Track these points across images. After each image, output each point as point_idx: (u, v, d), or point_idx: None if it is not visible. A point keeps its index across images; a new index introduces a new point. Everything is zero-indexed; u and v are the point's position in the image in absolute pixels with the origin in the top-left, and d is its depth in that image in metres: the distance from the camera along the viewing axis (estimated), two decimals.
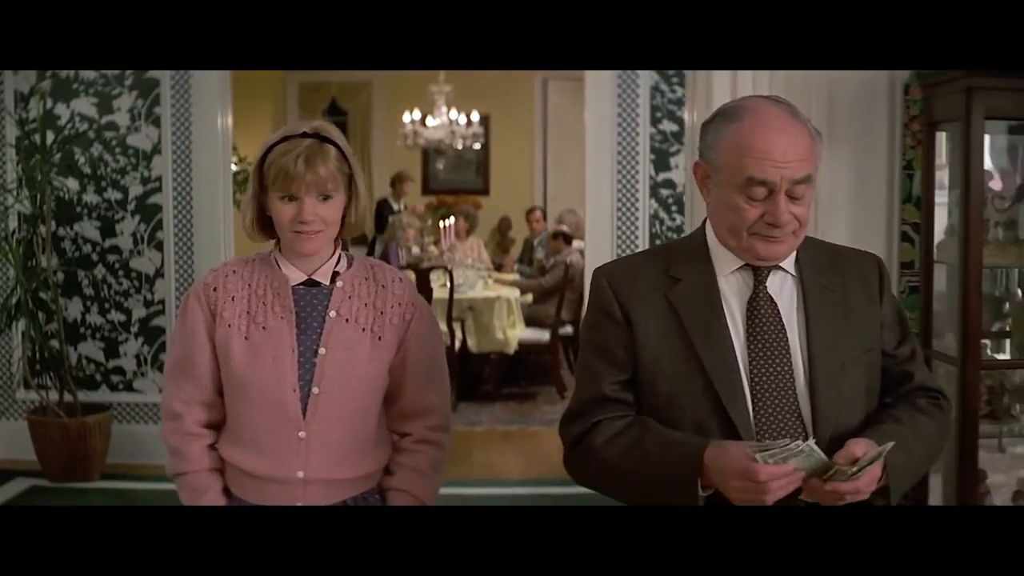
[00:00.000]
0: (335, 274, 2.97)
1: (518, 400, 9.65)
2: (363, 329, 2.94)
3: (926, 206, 4.14)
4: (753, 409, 2.58)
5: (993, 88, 3.25)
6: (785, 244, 2.60)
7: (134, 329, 7.31)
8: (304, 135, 2.85)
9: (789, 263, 2.68)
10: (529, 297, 10.32)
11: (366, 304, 2.97)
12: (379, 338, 2.96)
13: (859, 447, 2.43)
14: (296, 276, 2.94)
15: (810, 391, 2.59)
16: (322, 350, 2.88)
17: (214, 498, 2.92)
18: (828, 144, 4.33)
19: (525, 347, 9.82)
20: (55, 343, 7.07)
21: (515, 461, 7.65)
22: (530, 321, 9.99)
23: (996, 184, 4.09)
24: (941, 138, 4.76)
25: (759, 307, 2.65)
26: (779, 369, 2.60)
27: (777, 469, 2.35)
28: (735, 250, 2.65)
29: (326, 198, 2.84)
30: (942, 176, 4.03)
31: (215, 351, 2.92)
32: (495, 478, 7.17)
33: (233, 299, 2.93)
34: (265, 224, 2.95)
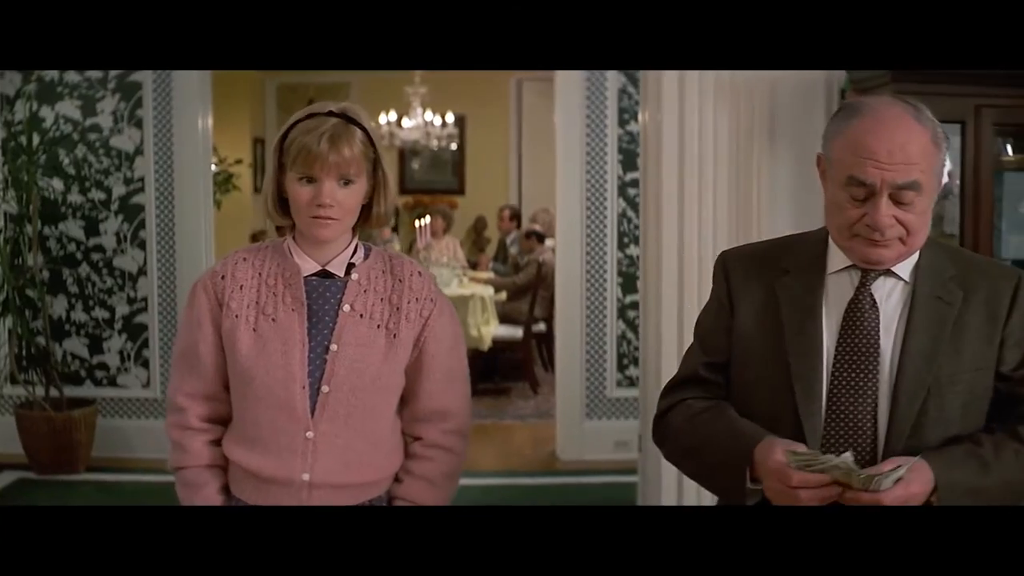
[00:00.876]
0: (350, 266, 2.79)
1: (492, 395, 9.77)
2: (378, 326, 2.75)
3: None
4: (827, 413, 2.49)
5: (915, 93, 3.42)
6: (889, 250, 2.47)
7: (118, 326, 7.46)
8: (331, 114, 2.67)
9: (905, 269, 2.54)
10: (503, 295, 10.45)
11: (382, 299, 2.78)
12: (394, 336, 2.76)
13: (888, 463, 2.33)
14: (309, 266, 2.75)
15: (891, 404, 2.46)
16: (334, 346, 2.70)
17: (209, 496, 2.77)
18: (769, 145, 4.49)
19: (499, 344, 9.93)
20: (41, 340, 7.21)
21: (488, 453, 7.77)
22: (504, 318, 10.11)
23: None
24: None
25: (859, 310, 2.52)
26: (863, 377, 2.49)
27: (811, 477, 2.28)
28: (843, 249, 2.54)
29: (347, 183, 2.66)
30: None
31: (221, 343, 2.76)
32: (468, 469, 7.26)
33: (242, 288, 2.75)
34: (285, 206, 2.75)
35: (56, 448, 6.99)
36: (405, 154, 14.96)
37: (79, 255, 7.42)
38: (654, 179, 4.59)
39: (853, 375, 2.49)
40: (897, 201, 2.41)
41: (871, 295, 2.53)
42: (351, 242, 2.80)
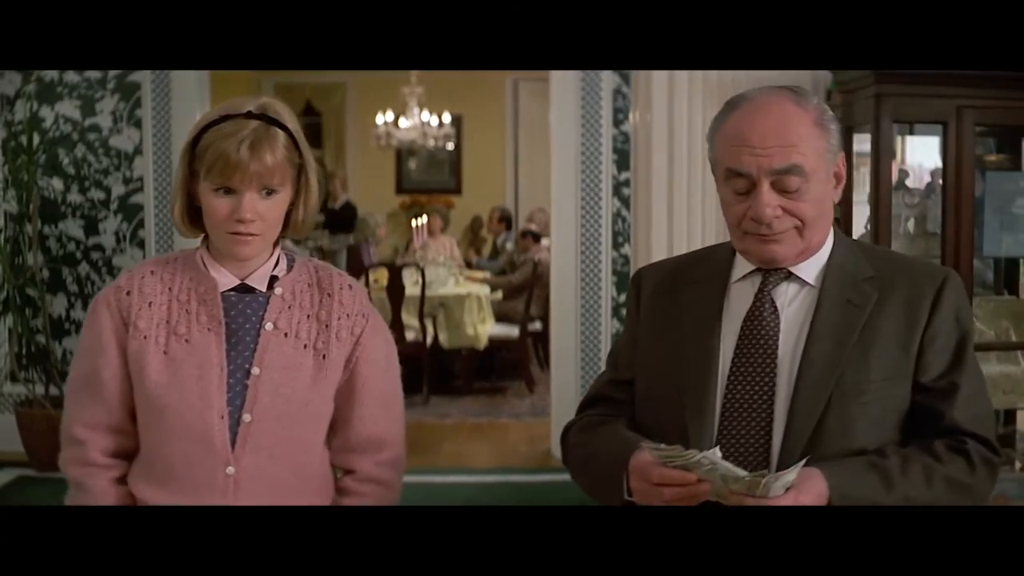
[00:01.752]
0: (273, 279, 2.49)
1: (488, 394, 9.80)
2: (304, 345, 2.46)
3: (845, 203, 4.41)
4: (719, 426, 2.32)
5: (898, 95, 3.49)
6: (782, 245, 2.31)
7: None
8: (249, 115, 2.35)
9: (810, 271, 2.37)
10: (499, 294, 10.48)
11: (308, 315, 2.49)
12: (323, 356, 2.48)
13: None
14: (226, 280, 2.45)
15: (788, 416, 2.28)
16: (255, 370, 2.41)
17: None
18: None
19: (495, 343, 9.95)
20: (41, 338, 7.26)
21: (483, 451, 7.84)
22: (500, 317, 10.12)
23: (912, 182, 4.37)
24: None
25: (757, 318, 2.36)
26: (758, 388, 2.32)
27: (674, 474, 2.15)
28: (741, 252, 2.41)
29: (270, 193, 2.36)
30: (865, 174, 4.29)
31: (127, 367, 2.43)
32: (463, 466, 7.38)
33: (150, 305, 2.43)
34: (196, 217, 2.44)
35: (56, 446, 6.84)
36: (402, 154, 15.01)
37: (79, 254, 7.47)
38: (644, 179, 4.66)
39: (747, 387, 2.33)
40: (781, 190, 2.26)
41: (772, 301, 2.37)
42: (273, 253, 2.50)
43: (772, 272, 2.38)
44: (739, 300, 2.42)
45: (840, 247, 2.41)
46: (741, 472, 2.11)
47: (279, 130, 2.36)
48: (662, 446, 2.17)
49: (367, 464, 2.58)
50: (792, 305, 2.36)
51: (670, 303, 2.49)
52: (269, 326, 2.44)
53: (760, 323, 2.36)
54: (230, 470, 2.38)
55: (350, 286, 2.56)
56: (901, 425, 2.32)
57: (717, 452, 2.14)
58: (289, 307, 2.47)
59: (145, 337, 2.41)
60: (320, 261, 2.67)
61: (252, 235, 2.37)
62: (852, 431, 2.26)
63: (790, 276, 2.38)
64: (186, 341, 2.40)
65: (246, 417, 2.39)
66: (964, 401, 2.31)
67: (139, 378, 2.41)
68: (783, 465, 2.20)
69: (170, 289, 2.45)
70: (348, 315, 2.52)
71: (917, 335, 2.31)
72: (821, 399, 2.26)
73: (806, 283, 2.37)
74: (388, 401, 2.61)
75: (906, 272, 2.38)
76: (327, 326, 2.49)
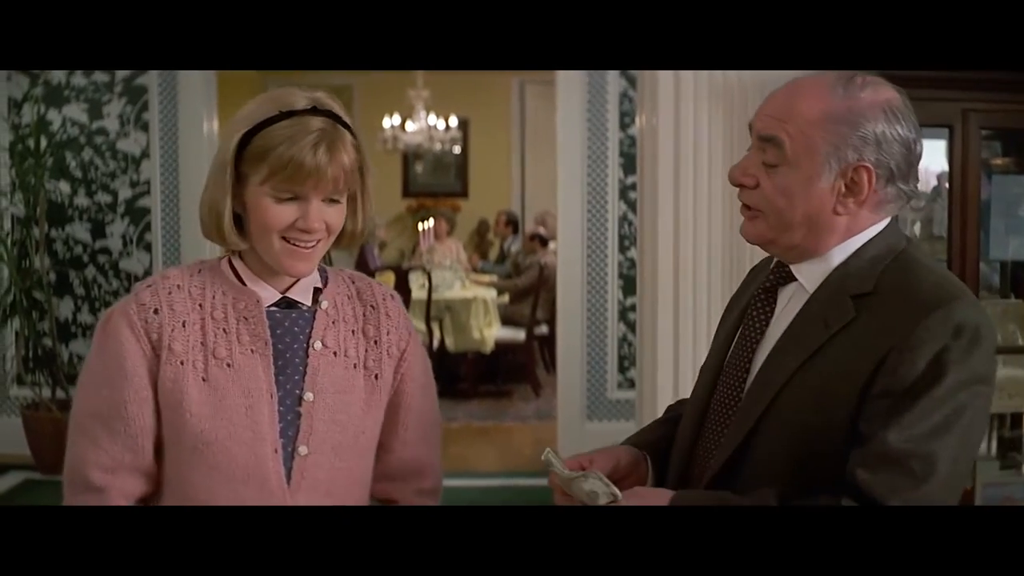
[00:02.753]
0: (316, 291, 2.21)
1: (494, 397, 9.82)
2: (355, 365, 2.20)
3: None
4: (703, 428, 2.17)
5: (914, 100, 3.47)
6: (751, 223, 2.11)
7: None
8: (315, 111, 2.08)
9: (811, 275, 2.08)
10: (506, 297, 10.51)
11: (354, 331, 2.22)
12: (375, 376, 2.22)
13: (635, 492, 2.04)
14: (268, 295, 2.16)
15: (728, 429, 2.10)
16: (308, 395, 2.13)
17: None
18: None
19: (501, 346, 9.99)
20: (48, 341, 7.26)
21: (488, 454, 7.85)
22: (506, 321, 10.15)
23: (922, 186, 4.37)
24: None
25: (749, 320, 2.17)
26: (728, 392, 2.14)
27: (556, 482, 2.12)
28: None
29: (333, 201, 2.09)
30: None
31: (156, 398, 2.10)
32: (468, 470, 7.37)
33: (184, 325, 2.11)
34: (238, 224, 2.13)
35: (62, 449, 6.87)
36: (408, 157, 15.01)
37: (85, 257, 7.48)
38: (650, 182, 4.65)
39: (723, 389, 2.16)
40: (766, 164, 2.04)
41: (763, 303, 2.16)
42: None
43: (779, 268, 2.16)
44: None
45: (868, 253, 2.04)
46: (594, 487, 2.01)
47: (344, 129, 2.10)
48: (555, 463, 2.10)
49: (408, 493, 2.37)
50: (785, 309, 2.12)
51: (743, 300, 2.27)
52: (318, 345, 2.16)
53: (747, 328, 2.16)
54: None
55: (392, 296, 2.32)
56: (831, 476, 1.91)
57: (596, 480, 2.02)
58: (334, 322, 2.20)
59: (182, 362, 2.08)
60: (352, 271, 2.37)
61: (313, 246, 2.10)
62: (774, 464, 1.98)
63: (792, 277, 2.12)
64: (228, 365, 2.10)
65: (302, 450, 2.12)
66: (890, 462, 1.85)
67: (175, 410, 2.08)
68: (720, 478, 2.05)
69: (200, 306, 2.13)
70: (395, 328, 2.28)
71: (862, 374, 1.91)
72: (750, 421, 2.02)
73: (803, 288, 2.08)
74: (428, 422, 2.37)
75: (902, 293, 1.96)
76: (376, 342, 2.24)
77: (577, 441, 7.50)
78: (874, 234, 2.06)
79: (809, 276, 2.07)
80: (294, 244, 2.07)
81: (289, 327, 2.15)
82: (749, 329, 2.14)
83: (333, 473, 2.15)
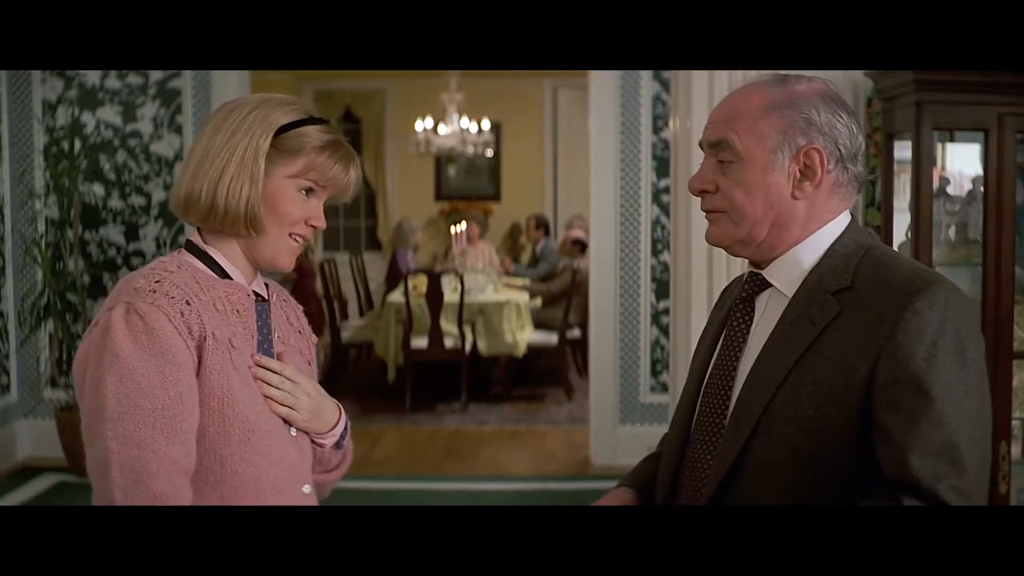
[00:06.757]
0: (265, 285, 2.31)
1: (527, 401, 9.82)
2: (300, 352, 2.34)
3: (885, 210, 4.38)
4: (689, 445, 2.18)
5: (938, 102, 3.45)
6: (716, 226, 2.14)
7: None
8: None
9: (785, 278, 2.11)
10: (539, 301, 10.51)
11: (290, 322, 2.35)
12: (308, 363, 2.36)
13: None
14: (246, 288, 2.22)
15: (721, 442, 2.09)
16: None
17: None
18: None
19: (534, 350, 9.99)
20: None
21: (521, 458, 7.85)
22: (539, 324, 10.15)
23: (952, 189, 4.33)
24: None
25: (730, 327, 2.18)
26: (715, 405, 2.14)
27: None
28: None
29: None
30: (906, 182, 4.27)
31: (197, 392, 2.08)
32: (501, 474, 7.39)
33: (211, 315, 2.11)
34: None
35: None
36: (441, 161, 15.03)
37: (119, 260, 7.52)
38: (684, 186, 4.63)
39: (708, 402, 2.16)
40: (720, 162, 2.09)
41: (742, 313, 2.16)
42: None
43: (753, 276, 2.17)
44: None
45: (838, 252, 2.09)
46: None
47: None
48: None
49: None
50: (764, 315, 2.13)
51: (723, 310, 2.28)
52: (278, 335, 2.26)
53: (729, 334, 2.17)
54: (306, 488, 2.23)
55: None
56: (837, 469, 1.96)
57: None
58: (281, 315, 2.32)
59: (224, 351, 2.10)
60: None
61: (303, 242, 2.21)
62: (776, 465, 1.98)
63: (768, 283, 2.14)
64: (242, 355, 2.14)
65: (293, 432, 2.21)
66: (918, 449, 1.88)
67: (225, 398, 2.08)
68: (723, 484, 2.05)
69: (199, 297, 2.11)
70: (304, 319, 2.42)
71: (863, 365, 1.94)
72: (748, 425, 2.01)
73: (779, 291, 2.11)
74: None
75: (881, 283, 1.99)
76: (300, 332, 2.37)
77: (609, 445, 7.50)
78: (839, 231, 2.11)
79: (784, 280, 2.11)
80: (300, 236, 2.18)
81: (265, 319, 2.24)
82: (730, 339, 2.16)
83: (314, 453, 2.28)
